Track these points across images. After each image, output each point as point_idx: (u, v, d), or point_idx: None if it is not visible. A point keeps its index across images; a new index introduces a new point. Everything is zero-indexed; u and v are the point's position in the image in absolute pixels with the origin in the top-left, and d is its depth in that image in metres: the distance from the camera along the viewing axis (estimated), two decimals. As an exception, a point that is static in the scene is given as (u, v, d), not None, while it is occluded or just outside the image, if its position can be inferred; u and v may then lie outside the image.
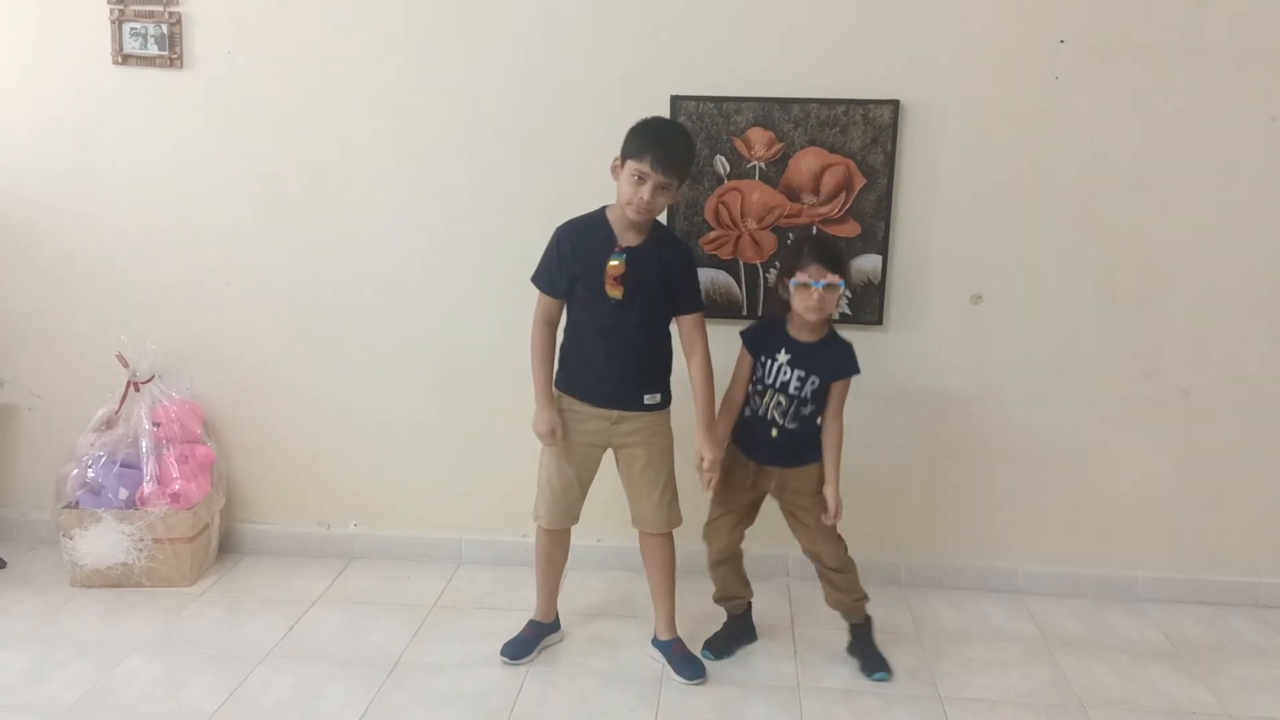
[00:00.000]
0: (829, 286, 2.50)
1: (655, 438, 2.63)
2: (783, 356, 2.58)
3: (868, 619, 2.75)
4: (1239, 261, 2.96)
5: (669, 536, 2.70)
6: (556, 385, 2.65)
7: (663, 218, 2.98)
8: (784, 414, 2.59)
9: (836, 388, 2.61)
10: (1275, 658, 2.84)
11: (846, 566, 2.70)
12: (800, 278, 2.51)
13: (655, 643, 2.74)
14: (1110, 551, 3.16)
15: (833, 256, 2.54)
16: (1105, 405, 3.07)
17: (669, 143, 2.46)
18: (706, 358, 2.59)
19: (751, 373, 2.65)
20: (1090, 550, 3.16)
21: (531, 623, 2.79)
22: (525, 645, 2.72)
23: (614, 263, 2.49)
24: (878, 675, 2.66)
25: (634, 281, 2.51)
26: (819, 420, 2.63)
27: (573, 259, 2.54)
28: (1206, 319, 3.00)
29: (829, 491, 2.61)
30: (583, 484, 2.69)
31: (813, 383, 2.57)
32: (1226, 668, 2.77)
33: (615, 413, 2.59)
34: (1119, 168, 2.93)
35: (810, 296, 2.50)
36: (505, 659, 2.69)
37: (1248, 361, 3.01)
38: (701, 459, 2.56)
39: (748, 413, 2.66)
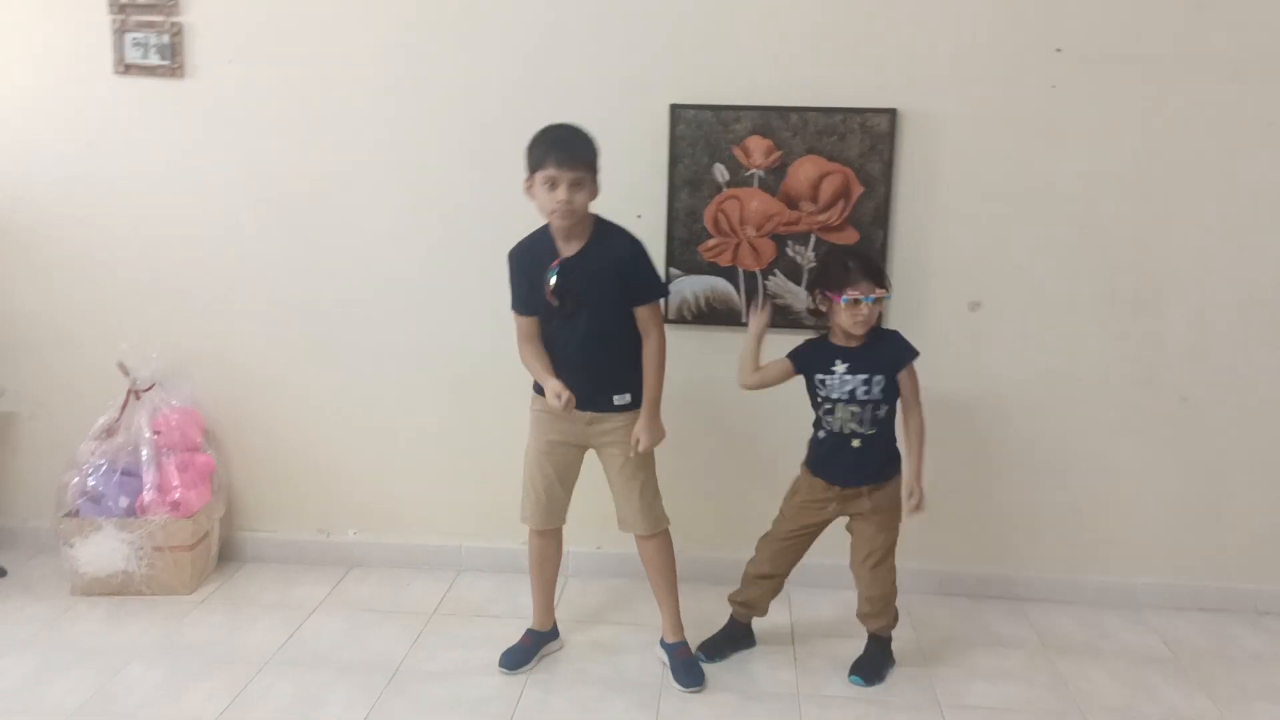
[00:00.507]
0: (878, 300, 2.54)
1: (628, 440, 2.62)
2: (840, 367, 2.59)
3: (886, 636, 2.75)
4: (1237, 267, 2.97)
5: (662, 537, 2.70)
6: (532, 388, 2.67)
7: (659, 223, 3.01)
8: (861, 422, 2.60)
9: (903, 379, 2.61)
10: (1275, 664, 2.84)
11: (886, 593, 2.68)
12: (851, 294, 2.52)
13: (663, 644, 2.75)
14: (1110, 558, 3.16)
15: (879, 270, 2.59)
16: (1104, 412, 3.07)
17: (565, 140, 2.48)
18: (659, 344, 2.61)
19: (782, 379, 2.67)
20: (1090, 557, 3.16)
21: (530, 631, 2.79)
22: (523, 654, 2.73)
23: (550, 279, 2.52)
24: (853, 678, 2.67)
25: (574, 291, 2.52)
26: (892, 421, 2.64)
27: (522, 275, 2.60)
28: (1205, 325, 3.01)
29: (915, 484, 2.60)
30: (565, 484, 2.70)
31: (879, 382, 2.58)
32: (1226, 674, 2.77)
33: (588, 414, 2.60)
34: (1116, 175, 2.94)
35: (860, 312, 2.53)
36: (503, 669, 2.69)
37: (1246, 368, 3.02)
38: (637, 441, 2.58)
39: (822, 435, 2.66)
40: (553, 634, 2.82)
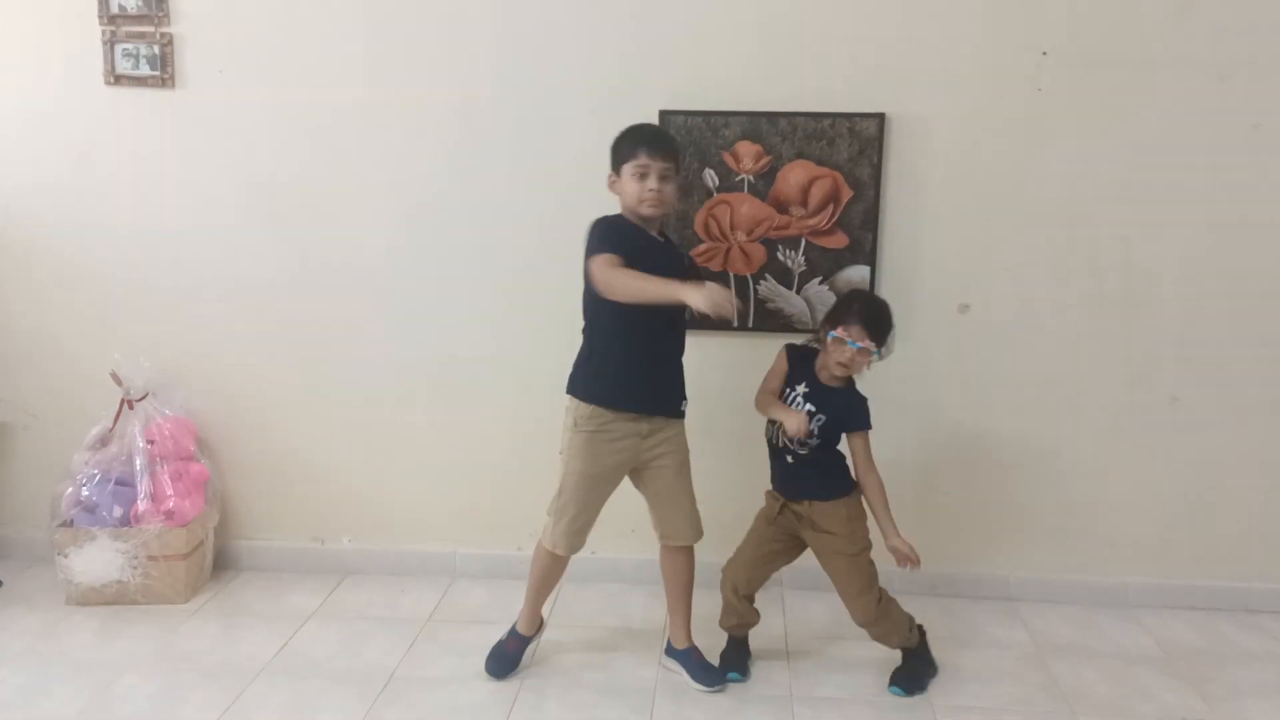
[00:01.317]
0: (862, 350, 2.51)
1: (681, 446, 2.65)
2: (801, 389, 2.60)
3: (920, 640, 2.71)
4: (1225, 268, 2.99)
5: (692, 548, 2.71)
6: (591, 399, 2.56)
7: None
8: (794, 442, 2.57)
9: (855, 442, 2.60)
10: (1266, 662, 2.86)
11: (876, 620, 2.62)
12: (840, 332, 2.52)
13: (671, 652, 2.75)
14: (1101, 558, 3.17)
15: (882, 325, 2.54)
16: (1094, 413, 3.09)
17: (657, 133, 2.59)
18: None
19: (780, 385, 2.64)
20: (1081, 557, 3.18)
21: (516, 635, 2.76)
22: (511, 661, 2.73)
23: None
24: (892, 689, 2.65)
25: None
26: (832, 454, 2.62)
27: (624, 238, 2.49)
28: (1193, 326, 3.02)
29: (896, 541, 2.56)
30: (601, 506, 2.67)
31: (819, 420, 2.56)
32: (1218, 673, 2.78)
33: (647, 424, 2.58)
34: (1104, 177, 2.96)
35: (843, 352, 2.52)
36: (490, 676, 2.69)
37: (1235, 367, 3.03)
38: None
39: (770, 440, 2.66)
40: (538, 632, 2.80)
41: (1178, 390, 3.06)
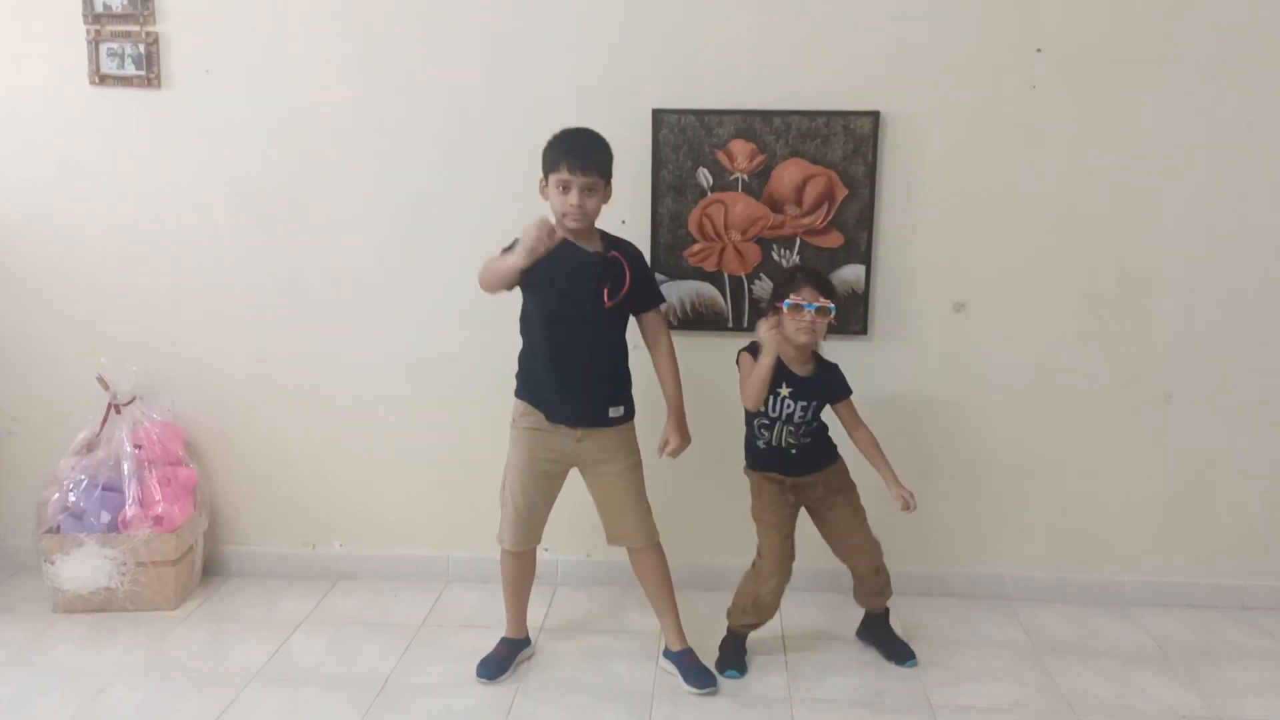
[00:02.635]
0: (821, 310, 2.56)
1: (624, 453, 2.63)
2: (784, 390, 2.62)
3: (887, 608, 2.83)
4: (1219, 266, 2.99)
5: (658, 547, 2.70)
6: (520, 395, 2.65)
7: (643, 229, 3.00)
8: (797, 437, 2.65)
9: (841, 410, 2.71)
10: (1263, 660, 2.86)
11: (884, 567, 2.77)
12: (794, 299, 2.57)
13: (667, 655, 2.73)
14: (1097, 557, 3.17)
15: (825, 284, 2.63)
16: (1089, 411, 3.08)
17: (581, 145, 2.50)
18: (672, 348, 2.66)
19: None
20: (1077, 556, 3.17)
21: (504, 640, 2.77)
22: (501, 663, 2.71)
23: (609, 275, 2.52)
24: (909, 662, 2.74)
25: (618, 288, 2.54)
26: (822, 427, 2.71)
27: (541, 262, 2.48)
28: (1188, 324, 3.02)
29: (897, 490, 2.66)
30: (546, 503, 2.68)
31: (814, 407, 2.66)
32: (1215, 671, 2.78)
33: (579, 430, 2.59)
34: (1098, 175, 2.96)
35: (803, 318, 2.56)
36: (482, 679, 2.67)
37: (1229, 365, 3.03)
38: (666, 442, 2.63)
39: (762, 445, 2.68)
40: (526, 642, 2.81)
41: (1172, 388, 3.06)
